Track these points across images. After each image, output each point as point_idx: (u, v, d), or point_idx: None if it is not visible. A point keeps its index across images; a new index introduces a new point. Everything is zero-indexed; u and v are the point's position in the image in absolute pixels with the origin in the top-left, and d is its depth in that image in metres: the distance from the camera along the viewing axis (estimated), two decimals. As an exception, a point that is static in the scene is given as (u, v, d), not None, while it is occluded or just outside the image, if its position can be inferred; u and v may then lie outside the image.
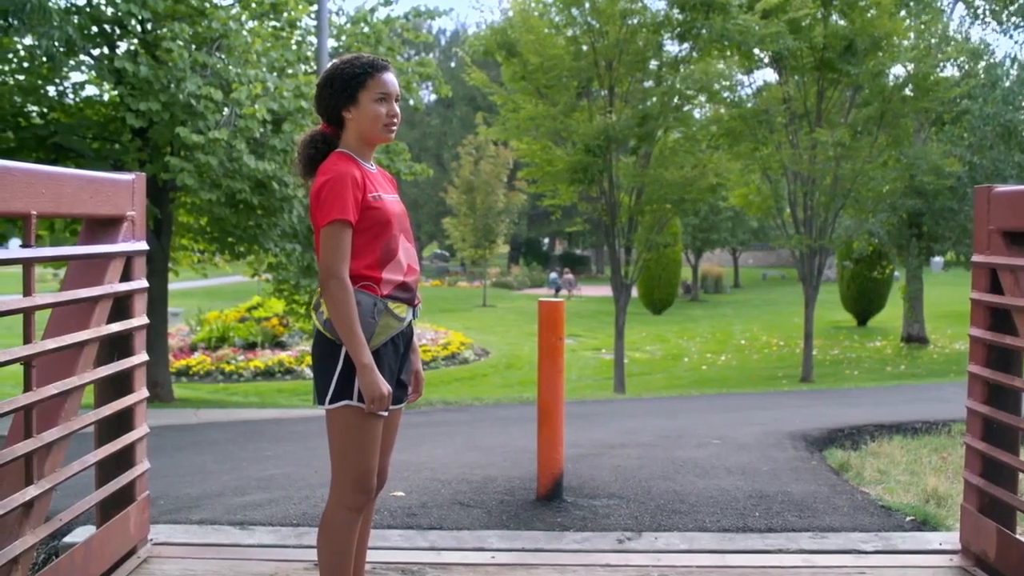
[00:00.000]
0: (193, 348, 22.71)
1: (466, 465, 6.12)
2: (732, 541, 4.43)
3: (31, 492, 3.14)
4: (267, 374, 20.61)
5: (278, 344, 22.90)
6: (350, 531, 3.19)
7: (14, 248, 3.31)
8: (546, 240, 69.04)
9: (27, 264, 3.12)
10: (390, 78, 3.17)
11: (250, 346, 22.64)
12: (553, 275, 49.16)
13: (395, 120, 3.19)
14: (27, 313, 3.12)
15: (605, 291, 33.44)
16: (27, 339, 3.14)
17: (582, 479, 5.57)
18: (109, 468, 3.88)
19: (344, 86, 3.16)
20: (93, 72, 12.70)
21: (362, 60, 3.19)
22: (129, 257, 3.91)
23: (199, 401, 14.73)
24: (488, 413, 10.96)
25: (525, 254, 64.01)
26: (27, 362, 3.12)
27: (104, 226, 3.83)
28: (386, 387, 3.03)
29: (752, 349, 27.06)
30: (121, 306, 3.90)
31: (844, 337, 28.81)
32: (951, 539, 4.34)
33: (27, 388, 3.13)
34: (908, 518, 4.82)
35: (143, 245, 4.01)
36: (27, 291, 3.13)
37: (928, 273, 28.16)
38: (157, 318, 14.33)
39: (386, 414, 3.13)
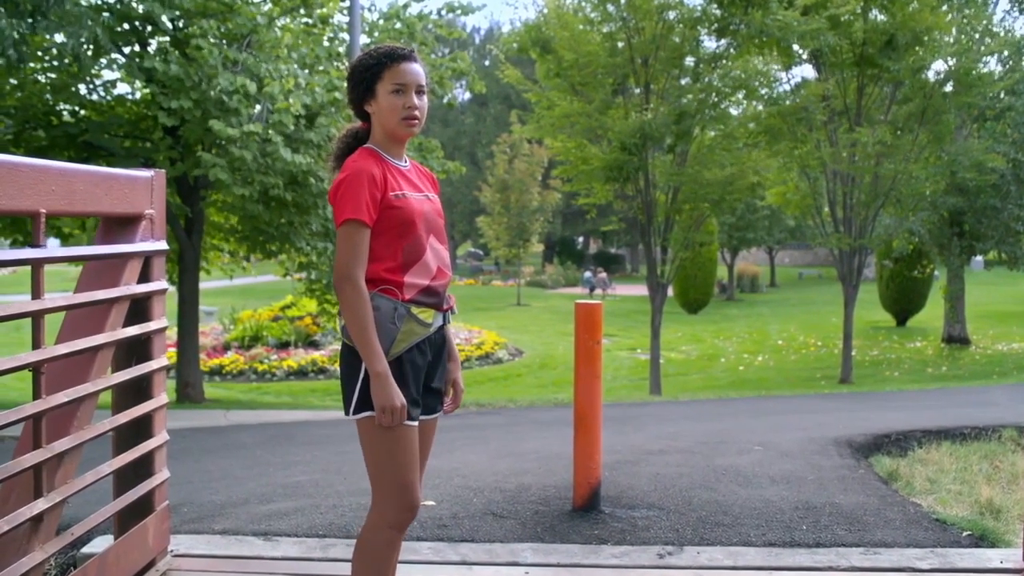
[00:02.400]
0: (226, 347, 22.69)
1: (499, 472, 5.92)
2: (779, 557, 4.20)
3: (40, 505, 2.98)
4: (300, 373, 20.53)
5: (311, 343, 22.82)
6: (391, 550, 3.02)
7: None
8: (580, 239, 68.82)
9: (36, 265, 2.96)
10: (408, 68, 2.96)
11: (283, 345, 22.58)
12: (587, 274, 48.92)
13: (414, 112, 2.96)
14: (36, 317, 2.96)
15: (639, 290, 33.18)
16: (36, 344, 2.98)
17: (620, 488, 5.35)
18: (127, 477, 3.72)
19: (361, 79, 3.00)
20: (124, 70, 12.62)
21: (379, 51, 3.01)
22: (148, 257, 3.74)
23: (230, 401, 14.64)
24: (522, 416, 10.77)
25: (559, 253, 63.79)
26: (36, 368, 2.96)
27: (121, 225, 3.67)
28: (399, 399, 2.83)
29: (789, 349, 26.72)
30: (139, 308, 3.71)
31: (883, 337, 28.39)
32: (1013, 556, 4.10)
33: (36, 396, 2.97)
34: (965, 533, 4.57)
35: (162, 245, 3.84)
36: (36, 293, 2.97)
37: (968, 272, 27.66)
38: (188, 318, 14.33)
39: (414, 423, 2.94)
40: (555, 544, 4.36)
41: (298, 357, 21.29)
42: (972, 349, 25.39)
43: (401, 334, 2.90)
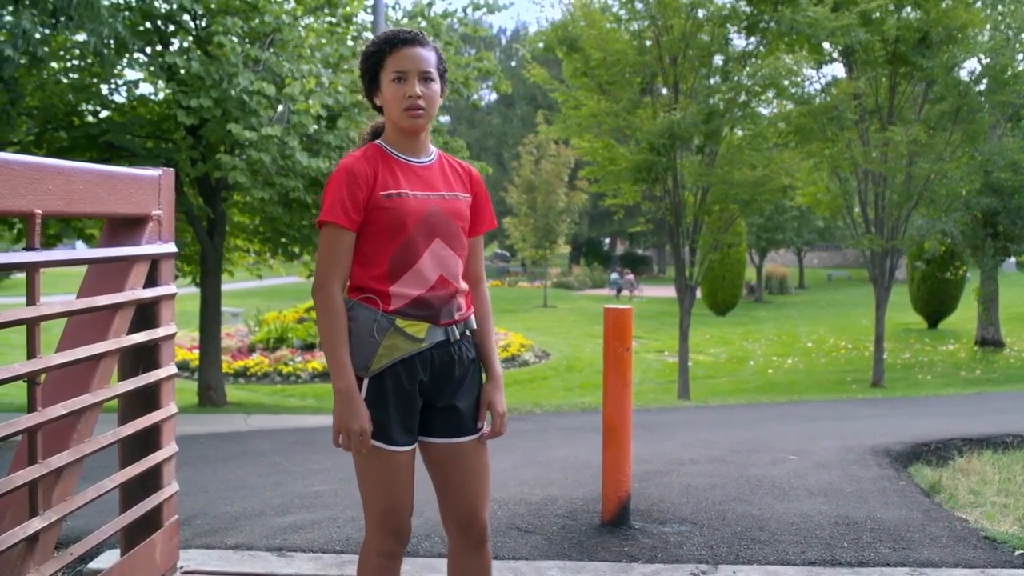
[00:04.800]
0: (251, 349, 22.57)
1: (524, 483, 5.71)
2: (820, 577, 3.98)
3: (35, 525, 2.80)
4: (325, 375, 20.33)
5: (336, 345, 22.63)
6: None
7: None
8: (607, 240, 68.53)
9: (31, 269, 2.77)
10: (409, 52, 2.70)
11: (308, 347, 22.44)
12: (614, 275, 48.66)
13: (416, 102, 2.69)
14: (31, 324, 2.77)
15: (667, 292, 32.90)
16: (31, 353, 2.79)
17: (650, 501, 5.14)
18: (133, 491, 3.53)
19: (365, 70, 2.77)
20: (148, 69, 12.49)
21: (380, 37, 2.78)
22: (155, 260, 3.55)
23: (252, 405, 14.50)
24: (548, 422, 10.56)
25: (586, 254, 63.56)
26: (31, 379, 2.77)
27: (127, 226, 3.48)
28: (358, 422, 2.61)
29: (819, 352, 26.37)
30: (146, 314, 3.53)
31: (915, 340, 27.99)
32: (1070, 579, 3.86)
33: (31, 408, 2.79)
34: (1017, 552, 4.32)
35: (171, 247, 3.65)
36: (31, 299, 2.78)
37: (1000, 274, 27.21)
38: (211, 320, 14.20)
39: (399, 448, 2.71)
40: (583, 562, 4.15)
41: (323, 359, 21.09)
42: (1006, 352, 24.98)
43: (383, 348, 2.67)
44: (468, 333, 2.87)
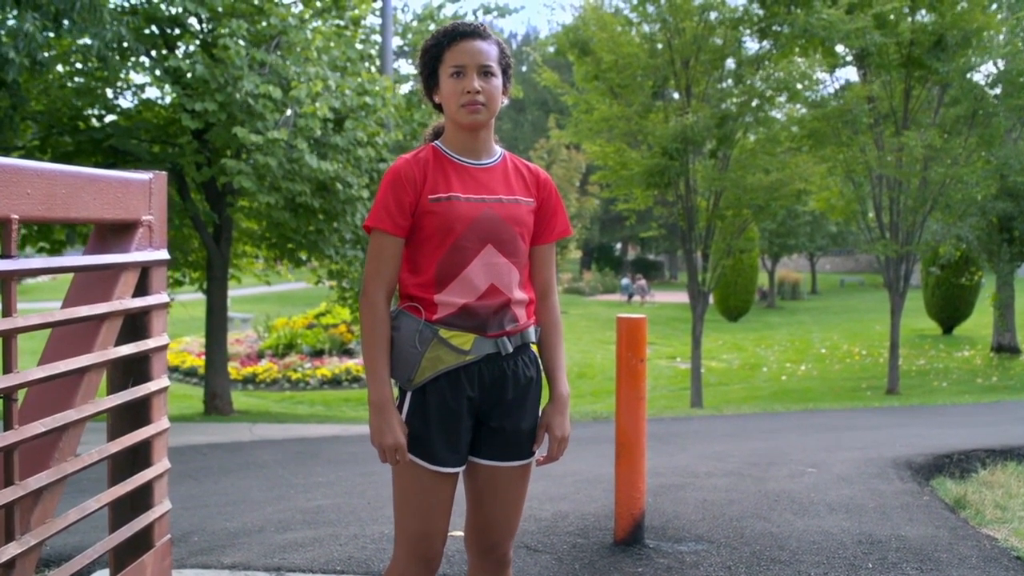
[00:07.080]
0: (260, 355, 22.44)
1: (534, 496, 5.51)
2: (845, 601, 3.78)
3: (11, 550, 2.62)
4: (334, 382, 20.22)
5: (346, 351, 22.53)
6: None
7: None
8: (619, 245, 68.33)
9: (6, 278, 2.60)
10: (468, 46, 2.53)
11: (317, 353, 22.32)
12: (625, 281, 48.43)
13: (474, 97, 2.52)
14: (7, 337, 2.59)
15: (679, 297, 32.70)
16: (7, 368, 2.62)
17: (665, 517, 4.94)
18: (123, 510, 3.35)
19: (424, 66, 2.61)
20: (153, 73, 12.35)
21: (439, 30, 2.62)
22: (145, 268, 3.37)
23: (258, 413, 14.33)
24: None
25: (597, 259, 63.33)
26: (7, 395, 2.59)
27: (115, 233, 3.30)
28: (391, 436, 2.45)
29: (833, 358, 26.11)
30: (136, 325, 3.34)
31: (929, 346, 27.70)
32: (1109, 604, 3.65)
33: (7, 426, 2.61)
34: (1051, 573, 4.12)
35: (163, 254, 3.46)
36: (7, 310, 2.60)
37: (1016, 279, 26.91)
38: (216, 327, 14.04)
39: (441, 468, 2.53)
40: (595, 584, 3.96)
41: (332, 365, 21.00)
42: (1023, 359, 24.69)
43: (426, 360, 2.49)
44: (529, 348, 2.67)
